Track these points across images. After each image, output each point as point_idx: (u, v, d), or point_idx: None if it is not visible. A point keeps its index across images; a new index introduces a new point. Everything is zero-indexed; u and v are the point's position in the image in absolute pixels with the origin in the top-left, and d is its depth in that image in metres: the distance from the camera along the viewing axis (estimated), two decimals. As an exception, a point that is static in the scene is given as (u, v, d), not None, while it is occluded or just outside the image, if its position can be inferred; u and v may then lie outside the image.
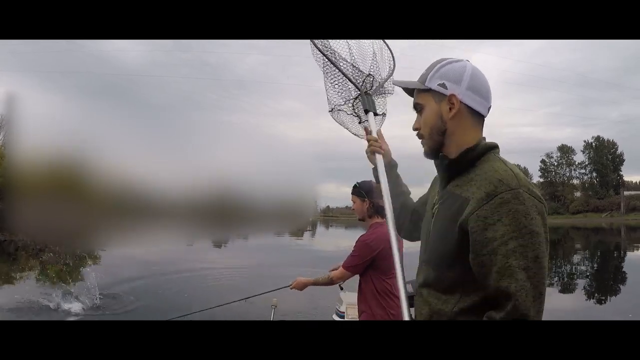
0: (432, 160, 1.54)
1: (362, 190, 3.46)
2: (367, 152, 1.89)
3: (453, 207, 1.38)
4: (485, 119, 1.48)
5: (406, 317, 1.41)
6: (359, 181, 3.52)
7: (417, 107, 1.52)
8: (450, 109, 1.43)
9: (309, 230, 42.62)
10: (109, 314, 8.06)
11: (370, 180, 3.48)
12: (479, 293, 1.33)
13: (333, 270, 3.74)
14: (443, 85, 1.43)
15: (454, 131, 1.44)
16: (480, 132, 1.47)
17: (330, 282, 3.59)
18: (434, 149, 1.49)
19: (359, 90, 1.95)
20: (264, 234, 30.11)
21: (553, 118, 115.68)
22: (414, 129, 1.55)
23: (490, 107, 1.48)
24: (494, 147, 1.44)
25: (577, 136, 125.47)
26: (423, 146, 1.54)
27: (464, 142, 1.44)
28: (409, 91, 1.57)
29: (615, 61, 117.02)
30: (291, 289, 3.82)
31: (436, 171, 1.56)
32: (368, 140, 1.87)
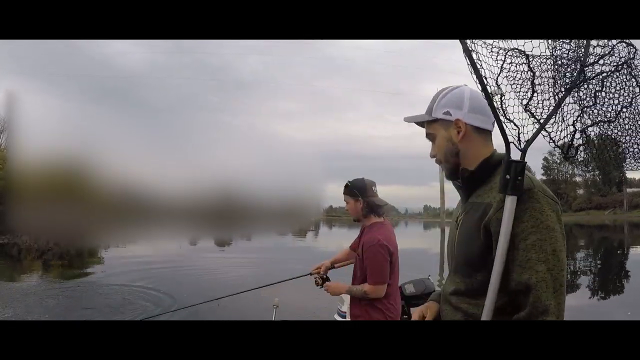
0: (452, 182, 1.66)
1: (355, 189, 3.31)
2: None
3: (477, 214, 1.48)
4: (492, 132, 1.60)
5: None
6: (350, 180, 3.36)
7: (430, 137, 1.66)
8: (458, 132, 1.56)
9: (312, 230, 42.57)
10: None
11: (363, 178, 3.34)
12: (504, 297, 1.40)
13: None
14: (447, 113, 1.57)
15: (466, 151, 1.57)
16: (491, 146, 1.59)
17: (365, 296, 3.19)
18: (453, 170, 1.62)
19: (518, 147, 1.41)
20: (266, 235, 30.11)
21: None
22: (431, 157, 1.68)
23: (494, 122, 1.53)
24: None
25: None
26: (443, 170, 1.66)
27: (478, 158, 1.56)
28: (420, 123, 1.69)
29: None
30: (325, 289, 3.59)
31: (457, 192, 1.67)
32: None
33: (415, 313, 1.69)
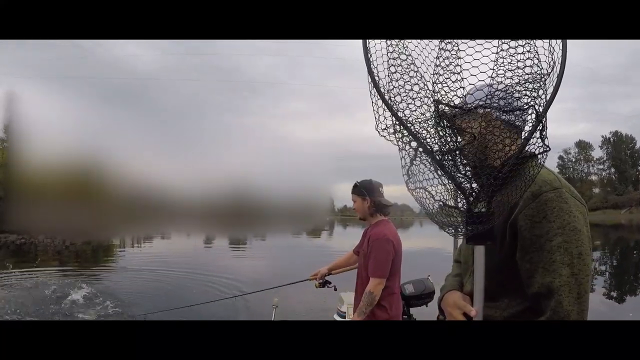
0: None
1: (363, 189, 3.41)
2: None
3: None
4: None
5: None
6: (358, 180, 3.46)
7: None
8: None
9: (326, 229, 42.54)
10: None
11: (370, 179, 3.46)
12: (525, 301, 1.38)
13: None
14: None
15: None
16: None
17: (373, 298, 3.15)
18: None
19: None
20: (281, 235, 30.13)
21: (565, 114, 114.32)
22: None
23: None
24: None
25: (590, 132, 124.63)
26: None
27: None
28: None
29: (619, 58, 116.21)
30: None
31: None
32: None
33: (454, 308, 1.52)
